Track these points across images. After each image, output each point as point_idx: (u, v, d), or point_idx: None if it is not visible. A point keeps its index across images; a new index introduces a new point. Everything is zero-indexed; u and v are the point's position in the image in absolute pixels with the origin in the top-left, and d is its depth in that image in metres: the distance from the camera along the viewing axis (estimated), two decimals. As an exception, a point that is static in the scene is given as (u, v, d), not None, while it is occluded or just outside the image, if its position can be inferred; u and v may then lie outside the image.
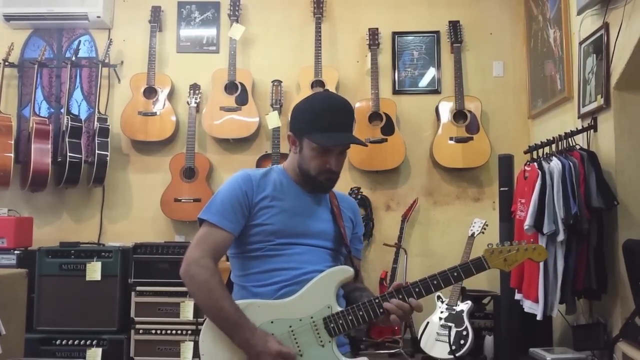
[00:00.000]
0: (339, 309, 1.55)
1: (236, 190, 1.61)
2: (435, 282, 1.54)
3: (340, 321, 1.53)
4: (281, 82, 3.82)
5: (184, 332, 3.28)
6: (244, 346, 1.49)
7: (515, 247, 1.56)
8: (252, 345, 1.48)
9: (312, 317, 1.53)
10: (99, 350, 3.25)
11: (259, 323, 1.52)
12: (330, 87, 3.77)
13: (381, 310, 1.53)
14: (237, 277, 1.67)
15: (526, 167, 2.83)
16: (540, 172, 2.61)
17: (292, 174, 1.70)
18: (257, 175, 1.66)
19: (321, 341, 1.52)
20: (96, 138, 3.72)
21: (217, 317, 1.53)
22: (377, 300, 1.54)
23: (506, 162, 3.09)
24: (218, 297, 1.52)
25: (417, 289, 1.54)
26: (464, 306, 3.16)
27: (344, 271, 1.60)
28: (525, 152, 3.06)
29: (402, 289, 1.54)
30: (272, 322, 1.52)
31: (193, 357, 3.23)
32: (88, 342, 3.27)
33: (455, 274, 1.55)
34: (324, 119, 1.59)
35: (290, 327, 1.53)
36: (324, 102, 1.65)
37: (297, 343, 1.52)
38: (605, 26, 2.63)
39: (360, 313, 1.53)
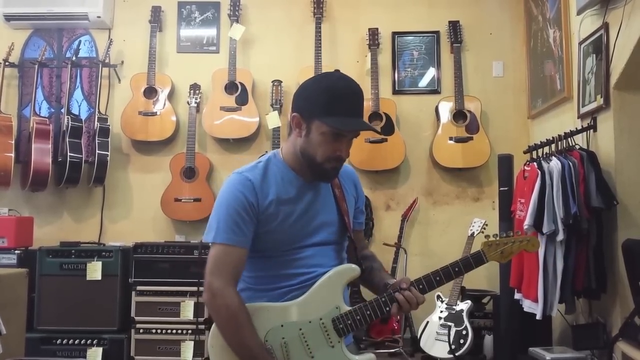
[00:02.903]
0: (347, 308, 1.54)
1: (242, 200, 1.51)
2: (437, 278, 1.55)
3: (349, 321, 1.53)
4: (281, 82, 3.83)
5: (184, 331, 3.28)
6: None
7: (512, 240, 1.60)
8: None
9: (321, 319, 1.53)
10: (100, 350, 3.25)
11: (270, 327, 1.51)
12: (330, 87, 3.77)
13: (387, 308, 1.53)
14: (243, 276, 1.61)
15: (526, 167, 2.84)
16: (539, 172, 2.61)
17: (292, 161, 1.59)
18: (258, 178, 1.55)
19: (331, 342, 1.53)
20: (96, 138, 3.73)
21: (241, 354, 1.50)
22: (383, 299, 1.54)
23: (506, 162, 3.09)
24: (246, 336, 1.48)
25: (420, 286, 1.54)
26: (464, 306, 3.17)
27: (350, 270, 1.58)
28: (525, 152, 3.06)
29: (408, 285, 1.53)
30: (282, 325, 1.51)
31: (193, 356, 3.24)
32: (88, 342, 3.27)
33: (457, 268, 1.56)
34: (341, 103, 1.48)
35: (301, 329, 1.52)
36: (341, 84, 1.51)
37: (307, 345, 1.52)
38: (605, 26, 2.63)
39: (368, 312, 1.54)
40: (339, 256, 1.65)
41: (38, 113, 3.91)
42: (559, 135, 2.76)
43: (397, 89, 3.96)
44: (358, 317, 1.53)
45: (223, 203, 1.53)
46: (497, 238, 1.60)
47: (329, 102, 1.48)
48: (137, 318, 3.32)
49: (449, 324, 3.12)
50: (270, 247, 1.56)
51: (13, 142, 3.71)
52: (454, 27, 3.89)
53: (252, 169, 1.58)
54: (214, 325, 1.55)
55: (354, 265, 1.60)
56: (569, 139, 2.74)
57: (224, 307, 1.49)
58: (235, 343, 1.50)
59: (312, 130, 1.51)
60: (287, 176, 1.59)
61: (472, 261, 1.57)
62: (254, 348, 1.48)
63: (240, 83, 3.81)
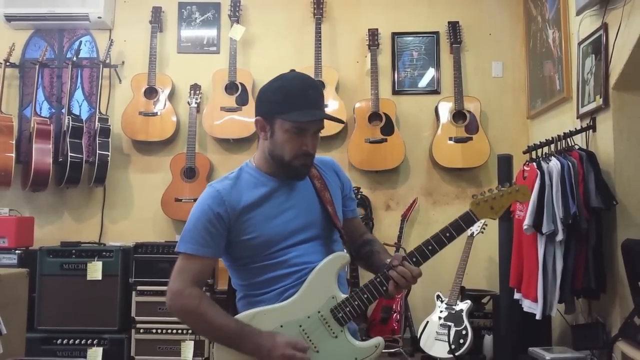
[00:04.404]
0: (343, 296, 1.53)
1: (207, 213, 1.53)
2: (430, 247, 1.52)
3: (348, 308, 1.52)
4: (281, 82, 3.83)
5: (185, 331, 3.28)
6: (255, 351, 1.48)
7: (500, 193, 1.54)
8: (262, 346, 1.46)
9: (319, 312, 1.52)
10: (100, 350, 3.25)
11: (269, 330, 1.50)
12: (330, 87, 3.79)
13: (384, 288, 1.51)
14: (239, 285, 1.63)
15: (525, 167, 2.84)
16: (539, 172, 2.62)
17: (264, 166, 1.60)
18: (227, 188, 1.55)
19: (333, 333, 1.52)
20: (97, 138, 3.73)
21: (221, 337, 1.51)
22: (378, 280, 1.52)
23: (505, 162, 3.09)
24: (214, 318, 1.50)
25: (414, 258, 1.52)
26: (464, 305, 3.17)
27: (340, 258, 1.57)
28: (525, 152, 3.06)
29: (401, 260, 1.52)
30: (281, 326, 1.51)
31: (193, 356, 3.24)
32: (89, 342, 3.27)
33: (447, 234, 1.53)
34: (297, 97, 1.51)
35: (301, 326, 1.51)
36: (294, 80, 1.57)
37: (310, 340, 1.51)
38: (604, 26, 2.64)
39: (365, 296, 1.52)
40: (328, 250, 1.62)
41: (39, 113, 3.92)
42: (558, 135, 2.76)
43: (396, 89, 3.97)
44: (356, 303, 1.52)
45: (192, 216, 1.57)
46: (485, 194, 1.55)
47: (285, 99, 1.52)
48: (137, 318, 3.32)
49: (449, 323, 3.12)
50: (254, 253, 1.55)
51: (14, 142, 3.71)
52: (454, 28, 3.89)
53: (222, 180, 1.60)
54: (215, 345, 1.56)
55: (342, 253, 1.59)
56: (568, 139, 2.75)
57: (183, 305, 1.52)
58: (209, 330, 1.53)
59: (275, 130, 1.54)
60: (259, 180, 1.59)
61: (462, 223, 1.54)
62: (228, 324, 1.49)
63: (241, 83, 3.81)
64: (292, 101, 1.51)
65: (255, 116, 1.59)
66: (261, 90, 1.62)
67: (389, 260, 1.56)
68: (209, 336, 1.55)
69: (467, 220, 1.54)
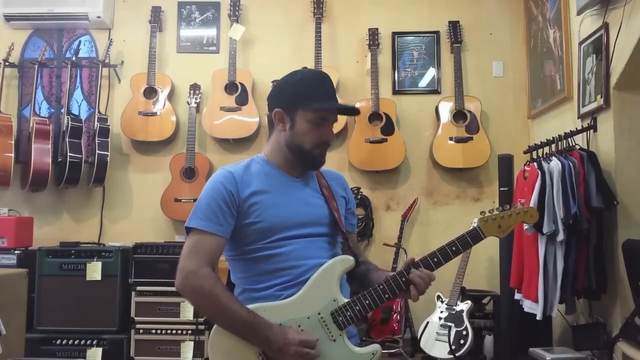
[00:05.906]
0: (345, 300, 1.53)
1: (221, 191, 1.55)
2: (435, 259, 1.55)
3: (349, 313, 1.52)
4: (281, 82, 3.82)
5: (184, 332, 3.28)
6: (265, 344, 1.47)
7: (508, 212, 1.57)
8: (273, 341, 1.46)
9: (319, 313, 1.52)
10: (99, 350, 3.25)
11: None
12: (330, 87, 3.78)
13: (387, 295, 1.52)
14: (238, 279, 1.63)
15: (526, 167, 2.83)
16: (540, 172, 2.61)
17: (276, 159, 1.64)
18: (239, 171, 1.60)
19: (332, 336, 1.52)
20: (96, 138, 3.73)
21: (231, 323, 1.49)
22: (381, 287, 1.53)
23: (506, 162, 3.09)
24: (228, 303, 1.49)
25: (419, 269, 1.54)
26: (464, 306, 3.17)
27: (345, 261, 1.57)
28: (525, 152, 3.06)
29: (404, 270, 1.54)
30: (280, 324, 1.50)
31: (193, 357, 3.23)
32: (88, 342, 3.26)
33: (454, 248, 1.55)
34: (317, 89, 1.60)
35: (300, 326, 1.50)
36: (312, 74, 1.68)
37: None
38: (605, 26, 2.63)
39: (367, 302, 1.53)
40: (332, 248, 1.63)
41: (38, 113, 3.91)
42: (559, 135, 2.76)
43: (397, 89, 3.96)
44: (357, 308, 1.52)
45: (203, 194, 1.59)
46: (493, 212, 1.57)
47: (307, 90, 1.59)
48: (136, 318, 3.31)
49: (449, 324, 3.12)
50: (256, 238, 1.56)
51: (13, 142, 3.70)
52: (454, 27, 3.89)
53: (235, 165, 1.65)
54: (211, 338, 1.54)
55: (347, 256, 1.59)
56: (569, 139, 2.74)
57: (198, 287, 1.50)
58: (221, 314, 1.50)
59: (296, 121, 1.59)
60: (270, 172, 1.63)
61: (469, 239, 1.56)
62: (240, 311, 1.48)
63: (240, 83, 3.81)
64: (313, 93, 1.59)
65: (272, 109, 1.63)
66: (279, 84, 1.68)
67: (391, 274, 1.57)
68: (219, 320, 1.52)
69: (474, 236, 1.56)
